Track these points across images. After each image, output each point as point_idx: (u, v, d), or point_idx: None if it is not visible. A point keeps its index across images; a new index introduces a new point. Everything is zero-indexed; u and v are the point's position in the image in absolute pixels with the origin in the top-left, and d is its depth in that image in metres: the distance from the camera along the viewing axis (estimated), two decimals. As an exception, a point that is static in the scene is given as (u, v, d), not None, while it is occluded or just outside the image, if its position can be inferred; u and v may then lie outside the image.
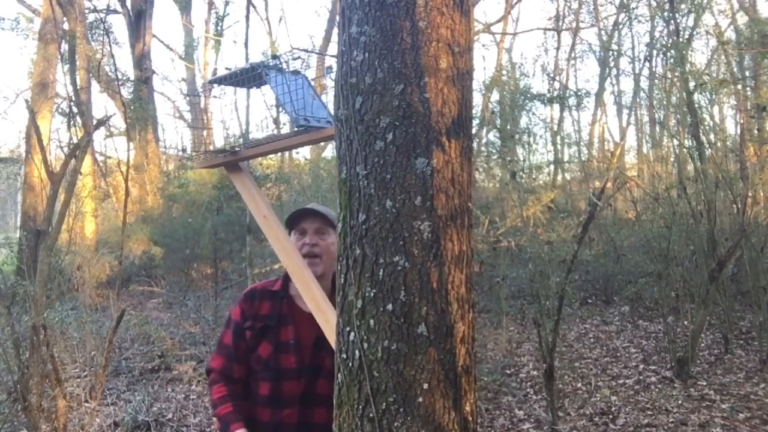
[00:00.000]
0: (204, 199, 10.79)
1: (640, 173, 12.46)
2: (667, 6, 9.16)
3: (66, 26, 10.23)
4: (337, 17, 1.66)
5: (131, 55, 15.33)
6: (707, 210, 5.33)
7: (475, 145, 11.18)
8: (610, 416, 4.18)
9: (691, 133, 6.65)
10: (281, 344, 1.86)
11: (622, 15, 15.67)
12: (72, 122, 8.18)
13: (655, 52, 13.81)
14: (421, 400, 1.38)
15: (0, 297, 4.84)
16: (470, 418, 1.46)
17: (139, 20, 14.89)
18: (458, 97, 1.53)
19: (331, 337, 1.97)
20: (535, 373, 5.21)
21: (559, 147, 14.71)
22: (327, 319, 2.31)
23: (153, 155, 14.47)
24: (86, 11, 13.74)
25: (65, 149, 7.57)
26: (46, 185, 6.72)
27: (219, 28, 19.78)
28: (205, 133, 14.22)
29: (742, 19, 13.12)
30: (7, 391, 4.22)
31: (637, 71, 15.89)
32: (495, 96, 12.65)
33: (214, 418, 1.89)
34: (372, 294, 1.42)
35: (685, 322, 6.09)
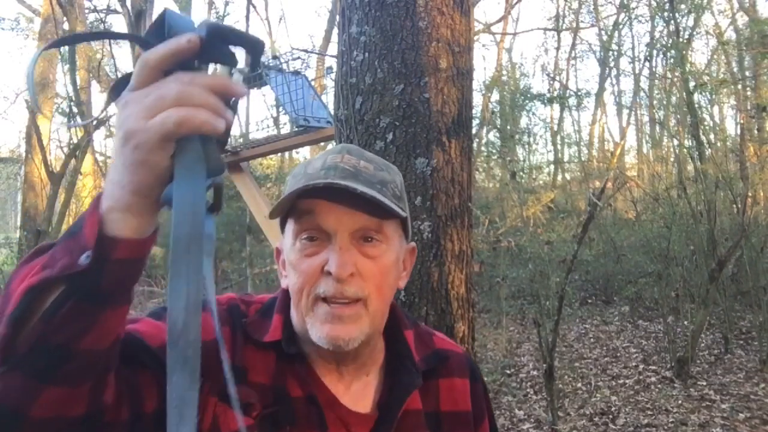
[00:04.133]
0: (204, 199, 10.77)
1: (640, 173, 12.48)
2: (667, 6, 9.17)
3: (66, 26, 10.24)
4: (337, 17, 1.67)
5: (131, 54, 15.33)
6: (707, 210, 5.33)
7: (475, 145, 11.20)
8: (610, 416, 4.18)
9: (691, 133, 6.66)
10: None
11: (622, 15, 15.67)
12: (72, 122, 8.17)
13: (655, 52, 13.81)
14: (421, 399, 1.38)
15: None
16: (470, 418, 1.46)
17: (139, 20, 14.87)
18: (458, 96, 1.53)
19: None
20: (535, 373, 5.21)
21: (558, 147, 14.75)
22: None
23: (153, 155, 14.46)
24: (86, 11, 13.75)
25: (65, 149, 7.57)
26: (46, 185, 6.72)
27: (219, 28, 19.79)
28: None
29: (742, 19, 13.14)
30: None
31: (637, 71, 15.89)
32: (495, 96, 12.68)
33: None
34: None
35: (685, 322, 6.09)
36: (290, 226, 0.80)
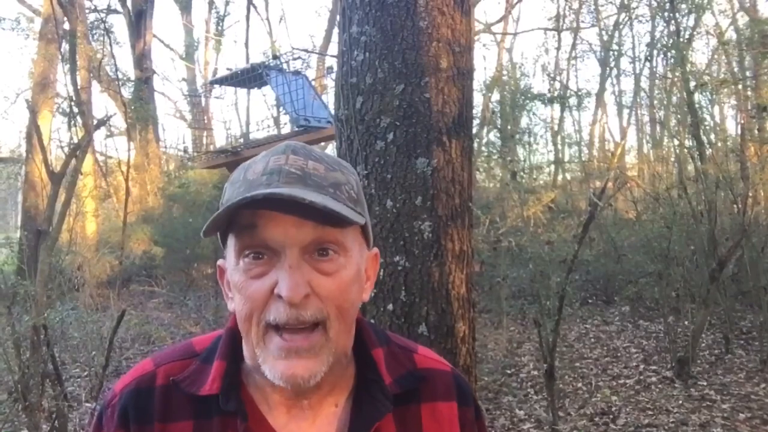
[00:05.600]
0: (204, 198, 10.80)
1: (640, 173, 12.47)
2: (667, 6, 9.17)
3: (66, 26, 10.24)
4: (338, 17, 1.67)
5: (132, 54, 15.35)
6: (708, 210, 5.33)
7: (475, 145, 11.19)
8: (611, 416, 4.18)
9: (692, 133, 6.65)
10: None
11: (623, 15, 15.69)
12: (73, 122, 8.18)
13: (655, 52, 13.84)
14: (421, 399, 1.38)
15: (1, 297, 4.85)
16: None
17: (139, 20, 14.90)
18: (459, 96, 1.53)
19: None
20: (535, 373, 5.21)
21: (559, 147, 14.76)
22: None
23: (153, 155, 14.49)
24: (87, 11, 13.76)
25: (66, 149, 7.58)
26: (46, 185, 6.73)
27: (219, 28, 19.84)
28: (205, 133, 14.28)
29: (742, 19, 13.14)
30: (8, 391, 4.23)
31: (637, 71, 15.92)
32: (495, 96, 12.71)
33: None
34: (372, 294, 1.42)
35: (686, 322, 6.09)
36: (231, 241, 0.69)
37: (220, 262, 0.76)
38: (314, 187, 0.67)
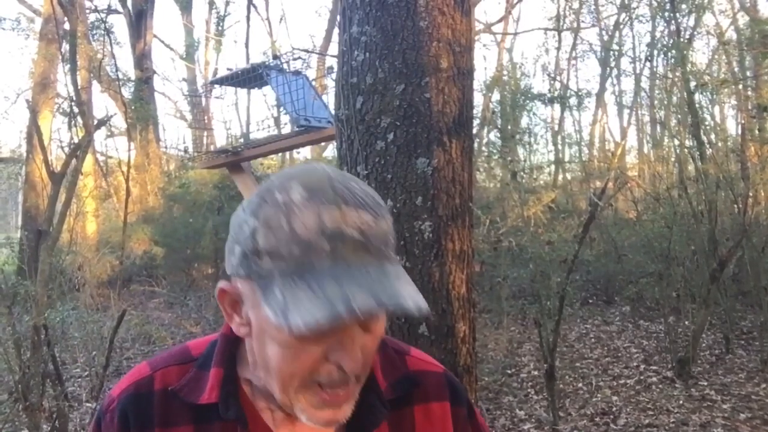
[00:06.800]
0: (205, 198, 10.81)
1: (640, 173, 12.47)
2: (668, 6, 9.17)
3: (67, 26, 10.25)
4: (338, 17, 1.67)
5: (132, 55, 15.35)
6: (708, 210, 5.33)
7: (476, 145, 11.19)
8: (611, 416, 4.17)
9: (692, 133, 6.65)
10: None
11: (623, 15, 15.69)
12: (73, 122, 8.19)
13: (656, 52, 13.83)
14: (422, 400, 1.38)
15: (1, 297, 4.85)
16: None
17: (139, 20, 14.90)
18: (459, 96, 1.53)
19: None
20: (536, 373, 5.21)
21: (559, 147, 14.76)
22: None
23: (154, 155, 14.48)
24: (87, 11, 13.76)
25: (66, 149, 7.59)
26: (47, 185, 6.74)
27: (220, 28, 19.83)
28: (205, 133, 14.27)
29: (742, 19, 13.14)
30: (9, 391, 4.23)
31: (638, 71, 15.90)
32: (496, 96, 12.70)
33: None
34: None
35: (686, 322, 6.09)
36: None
37: (222, 284, 0.69)
38: (375, 254, 0.62)
